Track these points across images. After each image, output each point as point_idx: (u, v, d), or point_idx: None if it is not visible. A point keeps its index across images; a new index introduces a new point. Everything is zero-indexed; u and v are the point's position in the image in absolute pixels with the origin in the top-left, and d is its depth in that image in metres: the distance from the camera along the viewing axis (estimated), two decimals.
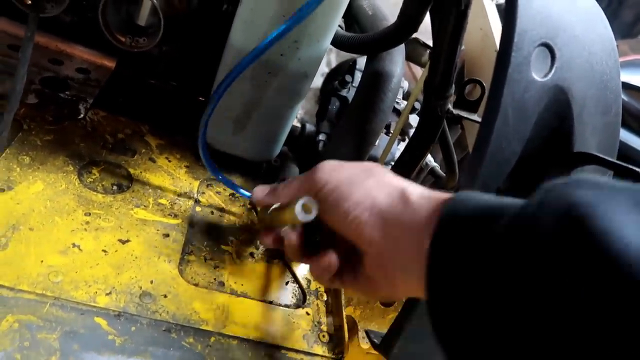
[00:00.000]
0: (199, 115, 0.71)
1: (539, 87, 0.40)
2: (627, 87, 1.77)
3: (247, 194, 0.61)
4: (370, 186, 0.37)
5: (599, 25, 0.43)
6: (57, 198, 0.52)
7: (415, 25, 0.47)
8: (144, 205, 0.56)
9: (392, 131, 0.71)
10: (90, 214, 0.52)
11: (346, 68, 0.74)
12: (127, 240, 0.52)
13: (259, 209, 0.62)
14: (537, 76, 0.40)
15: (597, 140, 0.45)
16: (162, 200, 0.58)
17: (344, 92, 0.70)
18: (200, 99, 0.77)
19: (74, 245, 0.49)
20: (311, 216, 0.38)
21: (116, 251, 0.50)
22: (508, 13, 0.38)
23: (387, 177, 0.38)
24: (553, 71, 0.40)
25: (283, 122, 0.64)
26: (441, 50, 0.44)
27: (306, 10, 0.40)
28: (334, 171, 0.40)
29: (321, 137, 0.70)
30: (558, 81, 0.41)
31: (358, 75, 0.71)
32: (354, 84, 0.71)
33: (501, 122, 0.39)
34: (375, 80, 0.55)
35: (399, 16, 0.48)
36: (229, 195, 0.64)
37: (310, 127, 0.75)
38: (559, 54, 0.41)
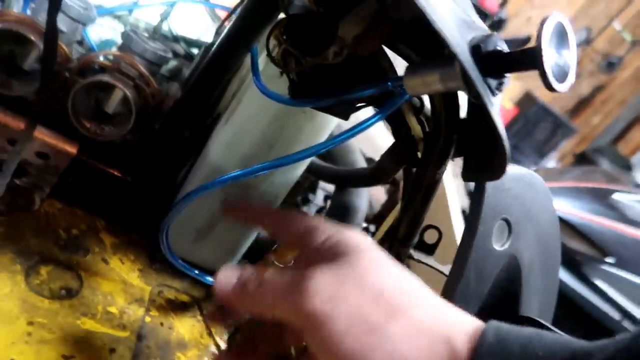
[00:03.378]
0: (156, 215, 0.71)
1: (497, 255, 0.45)
2: None
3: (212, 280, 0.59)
4: (398, 335, 0.26)
5: (547, 203, 0.50)
6: (0, 303, 0.48)
7: (387, 178, 0.51)
8: (92, 314, 0.54)
9: None
10: (33, 323, 0.49)
11: (307, 185, 0.77)
12: (72, 356, 0.48)
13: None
14: (496, 246, 0.45)
15: (538, 300, 0.50)
16: (112, 309, 0.56)
17: (305, 208, 0.73)
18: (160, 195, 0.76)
19: None
20: None
21: None
22: (477, 191, 0.44)
23: (422, 313, 0.28)
24: (509, 242, 0.46)
25: (245, 237, 0.65)
26: (412, 208, 0.48)
27: (298, 157, 0.43)
28: (337, 300, 0.27)
29: None
30: (512, 250, 0.46)
31: (319, 194, 0.75)
32: (315, 202, 0.74)
33: (464, 285, 0.43)
34: (343, 212, 0.59)
35: (375, 166, 0.53)
36: (180, 303, 0.63)
37: (263, 235, 0.77)
38: (515, 227, 0.46)
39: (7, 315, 0.48)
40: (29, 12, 0.77)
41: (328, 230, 0.34)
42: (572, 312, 1.82)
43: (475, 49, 0.28)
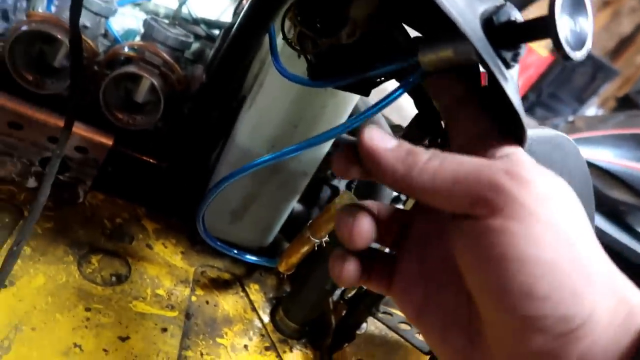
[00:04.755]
0: (192, 198, 0.74)
1: None
2: None
3: (252, 258, 0.62)
4: (596, 281, 0.23)
5: (578, 163, 0.49)
6: (58, 292, 0.52)
7: None
8: (142, 297, 0.57)
9: None
10: (90, 309, 0.53)
11: None
12: (127, 337, 0.52)
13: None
14: None
15: None
16: (160, 291, 0.59)
17: (335, 182, 0.74)
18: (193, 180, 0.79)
19: (75, 345, 0.49)
20: None
21: (116, 350, 0.51)
22: None
23: (614, 272, 0.24)
24: None
25: (279, 214, 0.66)
26: None
27: (326, 136, 0.44)
28: (550, 198, 0.24)
29: None
30: None
31: None
32: None
33: None
34: (372, 184, 0.59)
35: (400, 138, 0.53)
36: (222, 282, 0.66)
37: (298, 208, 0.78)
38: None
39: (66, 303, 0.52)
40: (53, 9, 0.79)
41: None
42: (617, 264, 1.79)
43: (488, 22, 0.28)
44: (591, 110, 4.70)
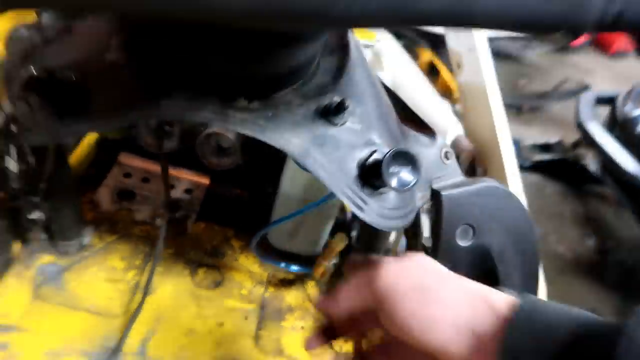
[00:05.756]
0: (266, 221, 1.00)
1: (463, 249, 0.63)
2: None
3: (295, 267, 0.89)
4: (447, 292, 0.36)
5: (510, 202, 0.65)
6: (179, 296, 0.83)
7: None
8: (232, 296, 0.86)
9: None
10: (199, 305, 0.83)
11: None
12: (222, 323, 0.82)
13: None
14: (462, 243, 0.63)
15: (519, 273, 0.67)
16: (243, 291, 0.88)
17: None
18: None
19: (191, 330, 0.79)
20: None
21: (216, 331, 0.80)
22: (435, 206, 0.62)
23: (466, 282, 0.38)
24: (474, 238, 0.63)
25: (322, 231, 0.90)
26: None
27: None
28: (400, 277, 0.39)
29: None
30: (478, 243, 0.63)
31: None
32: None
33: None
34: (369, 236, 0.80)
35: None
36: (288, 281, 0.93)
37: (340, 217, 1.01)
38: (478, 227, 0.63)
39: (185, 302, 0.83)
40: None
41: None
42: None
43: (361, 166, 0.49)
44: None
